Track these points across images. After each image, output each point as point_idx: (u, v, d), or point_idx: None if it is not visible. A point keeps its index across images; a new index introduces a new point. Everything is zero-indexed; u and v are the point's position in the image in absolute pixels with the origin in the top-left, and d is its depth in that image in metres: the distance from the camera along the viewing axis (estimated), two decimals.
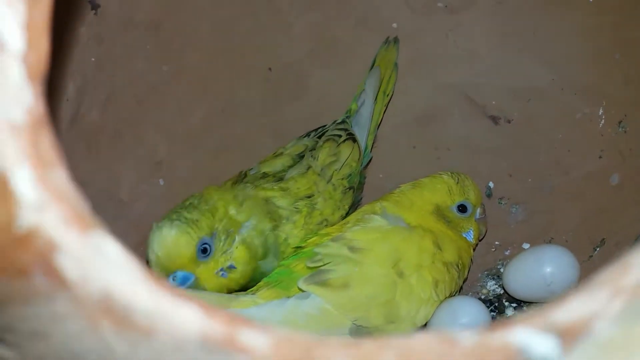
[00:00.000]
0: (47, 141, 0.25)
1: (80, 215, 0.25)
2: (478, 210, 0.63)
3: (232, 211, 0.54)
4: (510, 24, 0.67)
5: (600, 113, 0.63)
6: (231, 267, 0.52)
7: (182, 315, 0.21)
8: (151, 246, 0.51)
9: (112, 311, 0.23)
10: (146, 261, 0.53)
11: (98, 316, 0.23)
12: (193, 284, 0.51)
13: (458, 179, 0.62)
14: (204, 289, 0.52)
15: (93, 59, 0.60)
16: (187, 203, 0.54)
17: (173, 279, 0.50)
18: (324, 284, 0.50)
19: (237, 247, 0.53)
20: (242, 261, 0.53)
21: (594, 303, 0.21)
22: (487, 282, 0.65)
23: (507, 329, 0.20)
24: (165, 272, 0.51)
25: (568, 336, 0.20)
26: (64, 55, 0.58)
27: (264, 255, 0.55)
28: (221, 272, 0.52)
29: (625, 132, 0.61)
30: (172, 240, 0.50)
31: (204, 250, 0.51)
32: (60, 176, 0.25)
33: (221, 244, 0.52)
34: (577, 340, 0.20)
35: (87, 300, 0.23)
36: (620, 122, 0.62)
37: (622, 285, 0.22)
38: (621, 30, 0.61)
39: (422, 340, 0.20)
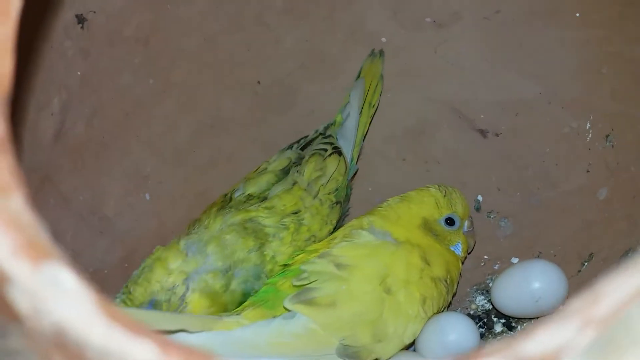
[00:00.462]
0: (5, 165, 0.24)
1: (34, 243, 0.24)
2: (466, 223, 0.63)
3: (174, 265, 0.52)
4: (497, 39, 0.68)
5: (587, 127, 0.64)
6: None
7: (136, 352, 0.21)
8: None
9: (65, 347, 0.22)
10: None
11: (51, 352, 0.22)
12: None
13: (445, 192, 0.62)
14: None
15: (79, 73, 0.60)
16: (135, 273, 0.53)
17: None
18: (310, 302, 0.49)
19: (189, 299, 0.50)
20: (202, 310, 0.50)
21: (563, 335, 0.21)
22: (476, 297, 0.64)
23: None
24: None
25: None
26: (49, 69, 0.57)
27: (227, 287, 0.52)
28: None
29: (612, 146, 0.61)
30: None
31: None
32: (17, 202, 0.24)
33: (166, 305, 0.50)
34: None
35: (40, 335, 0.22)
36: (607, 136, 0.62)
37: (593, 315, 0.21)
38: (608, 44, 0.61)
39: None
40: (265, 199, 0.60)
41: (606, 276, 0.23)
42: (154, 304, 0.50)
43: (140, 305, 0.49)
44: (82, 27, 0.60)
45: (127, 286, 0.51)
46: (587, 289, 0.22)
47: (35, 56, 0.56)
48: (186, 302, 0.50)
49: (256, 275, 0.55)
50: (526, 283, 0.56)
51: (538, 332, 0.21)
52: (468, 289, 0.65)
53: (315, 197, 0.61)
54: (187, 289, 0.50)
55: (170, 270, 0.51)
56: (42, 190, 0.57)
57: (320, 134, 0.68)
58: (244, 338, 0.47)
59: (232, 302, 0.53)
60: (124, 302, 0.49)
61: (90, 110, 0.62)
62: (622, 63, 0.60)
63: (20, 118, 0.55)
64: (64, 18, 0.57)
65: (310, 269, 0.52)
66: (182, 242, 0.54)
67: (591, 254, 0.60)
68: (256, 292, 0.54)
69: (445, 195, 0.62)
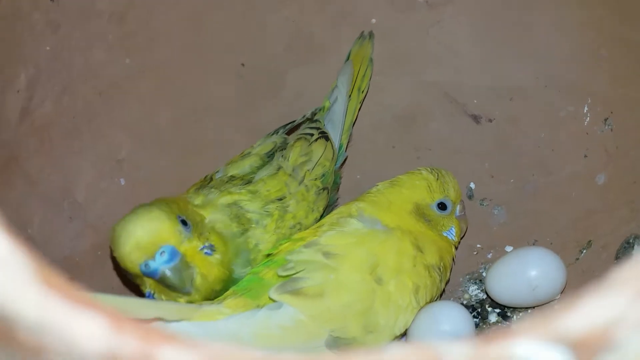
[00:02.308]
0: None
1: None
2: (458, 207, 0.60)
3: (198, 201, 0.53)
4: (492, 20, 0.65)
5: (585, 111, 0.61)
6: (212, 247, 0.49)
7: (81, 330, 0.17)
8: (124, 232, 0.46)
9: None
10: (112, 259, 0.49)
11: None
12: (181, 263, 0.47)
13: (438, 175, 0.60)
14: (193, 270, 0.48)
15: (48, 48, 0.56)
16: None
17: (161, 255, 0.46)
18: (297, 293, 0.47)
19: (209, 232, 0.50)
20: (218, 244, 0.50)
21: (613, 306, 0.17)
22: (469, 287, 0.62)
23: (507, 341, 0.16)
24: (150, 251, 0.46)
25: (584, 350, 0.16)
26: (15, 42, 0.53)
27: (236, 253, 0.51)
28: (205, 250, 0.49)
29: (611, 130, 0.59)
30: (151, 215, 0.47)
31: (184, 222, 0.48)
32: None
33: (194, 225, 0.49)
34: (597, 356, 0.16)
35: None
36: (606, 120, 0.60)
37: None
38: (606, 26, 0.59)
39: (398, 355, 0.16)
40: (249, 182, 0.56)
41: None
42: (187, 217, 0.48)
43: (177, 214, 0.48)
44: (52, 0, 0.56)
45: (151, 202, 0.49)
46: (636, 258, 0.19)
47: (1, 29, 0.52)
48: (208, 233, 0.50)
49: (246, 259, 0.52)
50: (522, 271, 0.53)
51: (582, 304, 0.17)
52: (461, 279, 0.63)
53: (300, 183, 0.58)
54: (207, 226, 0.50)
55: (195, 207, 0.51)
56: (7, 170, 0.53)
57: (308, 119, 0.65)
58: (228, 329, 0.44)
59: (228, 277, 0.51)
60: (159, 206, 0.48)
61: (60, 88, 0.58)
62: (622, 44, 0.58)
63: None
64: None
65: (296, 259, 0.49)
66: (199, 198, 0.53)
67: (590, 241, 0.57)
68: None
69: (437, 179, 0.59)
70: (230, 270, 0.51)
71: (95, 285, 0.57)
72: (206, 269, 0.49)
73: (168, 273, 0.46)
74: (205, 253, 0.49)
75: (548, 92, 0.63)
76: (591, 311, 0.17)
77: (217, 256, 0.49)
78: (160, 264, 0.46)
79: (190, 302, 0.48)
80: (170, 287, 0.48)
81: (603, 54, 0.59)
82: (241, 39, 0.67)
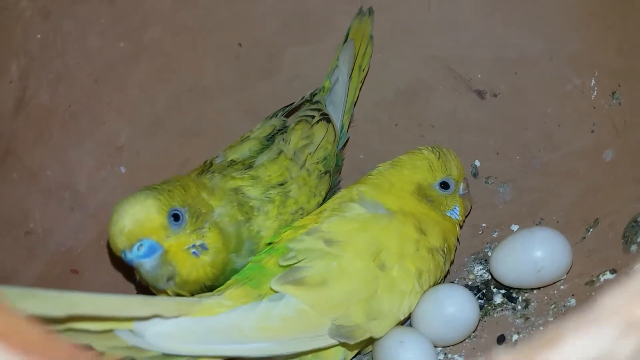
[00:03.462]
0: None
1: None
2: (461, 186, 0.59)
3: (204, 195, 0.50)
4: None
5: (592, 84, 0.59)
6: (203, 247, 0.47)
7: None
8: (115, 214, 0.45)
9: None
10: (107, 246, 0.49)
11: None
12: (161, 259, 0.45)
13: (439, 154, 0.58)
14: (173, 269, 0.46)
15: (39, 36, 0.55)
16: (158, 182, 0.49)
17: (138, 249, 0.45)
18: (299, 282, 0.46)
19: (209, 229, 0.48)
20: (214, 244, 0.48)
21: (600, 342, 0.16)
22: (474, 267, 0.61)
23: None
24: (129, 241, 0.45)
25: None
26: (4, 32, 0.52)
27: (237, 248, 0.50)
28: (192, 250, 0.47)
29: (619, 104, 0.57)
30: (142, 204, 0.45)
31: (176, 218, 0.46)
32: None
33: (193, 219, 0.47)
34: None
35: None
36: (613, 93, 0.58)
37: (637, 316, 0.16)
38: None
39: None
40: (250, 167, 0.55)
41: None
42: (187, 210, 0.47)
43: (176, 205, 0.46)
44: None
45: (150, 186, 0.47)
46: (623, 284, 0.18)
47: None
48: (207, 229, 0.48)
49: (250, 249, 0.51)
50: (528, 251, 0.52)
51: (567, 340, 0.16)
52: (465, 259, 0.62)
53: (302, 167, 0.57)
54: (210, 220, 0.48)
55: (202, 197, 0.49)
56: (4, 164, 0.53)
57: (307, 100, 0.64)
58: (229, 323, 0.43)
59: (226, 265, 0.50)
60: (160, 192, 0.46)
61: (55, 77, 0.57)
62: (630, 13, 0.55)
63: None
64: None
65: (297, 247, 0.48)
66: (205, 180, 0.52)
67: (597, 219, 0.56)
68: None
69: (439, 158, 0.58)
70: (224, 267, 0.49)
71: (99, 275, 0.57)
72: (187, 269, 0.47)
73: (142, 267, 0.45)
74: (193, 253, 0.47)
75: (554, 65, 0.61)
76: (576, 348, 0.16)
77: (205, 257, 0.47)
78: (136, 257, 0.45)
79: (178, 294, 0.47)
80: (143, 281, 0.47)
81: (610, 24, 0.57)
82: (236, 17, 0.65)
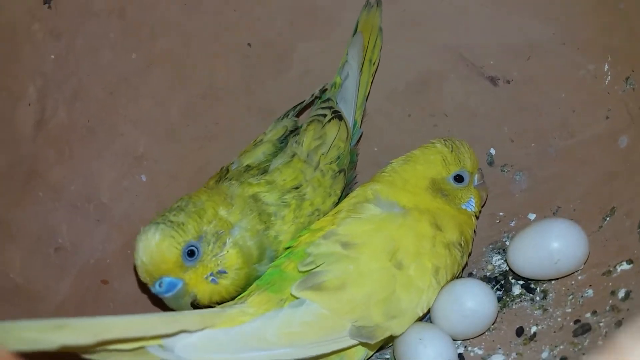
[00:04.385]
0: None
1: None
2: (476, 177, 0.59)
3: (223, 212, 0.51)
4: None
5: (605, 69, 0.58)
6: (222, 272, 0.50)
7: None
8: (137, 252, 0.48)
9: None
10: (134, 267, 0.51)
11: None
12: (182, 291, 0.49)
13: (452, 147, 0.58)
14: (194, 296, 0.49)
15: (52, 56, 0.56)
16: (175, 206, 0.51)
17: (160, 285, 0.48)
18: (318, 287, 0.47)
19: (228, 251, 0.50)
20: (233, 266, 0.50)
21: None
22: (492, 257, 0.61)
23: None
24: (151, 278, 0.48)
25: None
26: (18, 57, 0.53)
27: (260, 258, 0.52)
28: (211, 278, 0.49)
29: (633, 89, 0.56)
30: (155, 244, 0.47)
31: (191, 254, 0.48)
32: None
33: (210, 247, 0.49)
34: None
35: None
36: (627, 79, 0.57)
37: None
38: None
39: None
40: (265, 171, 0.56)
41: (624, 329, 0.19)
42: (202, 240, 0.49)
43: (190, 239, 0.48)
44: (49, 7, 0.55)
45: (164, 215, 0.49)
46: (606, 346, 0.18)
47: (1, 45, 0.52)
48: (226, 252, 0.49)
49: (271, 257, 0.53)
50: (544, 244, 0.53)
51: None
52: (484, 249, 0.63)
53: (316, 168, 0.57)
54: (229, 240, 0.50)
55: (220, 216, 0.50)
56: (29, 184, 0.55)
57: (317, 97, 0.64)
58: (253, 332, 0.45)
59: (250, 276, 0.51)
60: (173, 228, 0.48)
61: (71, 94, 0.58)
62: None
63: None
64: (27, 0, 0.53)
65: (315, 252, 0.49)
66: (225, 187, 0.53)
67: (613, 207, 0.56)
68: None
69: (452, 151, 0.58)
70: (247, 280, 0.51)
71: (128, 283, 0.59)
72: (207, 295, 0.49)
73: (166, 300, 0.49)
74: (212, 280, 0.49)
75: (566, 50, 0.60)
76: None
77: (224, 281, 0.50)
78: (158, 292, 0.48)
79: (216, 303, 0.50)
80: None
81: (622, 8, 0.55)
82: (244, 18, 0.65)
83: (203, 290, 0.49)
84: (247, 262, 0.50)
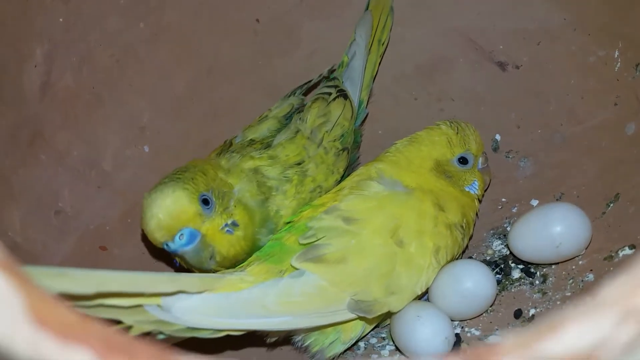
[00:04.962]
0: None
1: None
2: (480, 160, 0.59)
3: (222, 175, 0.52)
4: None
5: (615, 55, 0.58)
6: (234, 224, 0.50)
7: None
8: (149, 211, 0.47)
9: None
10: (141, 232, 0.51)
11: None
12: (202, 243, 0.48)
13: (458, 129, 0.58)
14: (213, 249, 0.49)
15: (61, 20, 0.56)
16: (176, 170, 0.51)
17: (180, 238, 0.47)
18: (319, 259, 0.47)
19: (235, 206, 0.50)
20: (242, 219, 0.50)
21: (597, 330, 0.16)
22: (492, 242, 0.61)
23: None
24: (169, 233, 0.47)
25: None
26: (27, 18, 0.53)
27: (261, 224, 0.52)
28: (226, 229, 0.50)
29: None
30: (173, 197, 0.47)
31: (206, 202, 0.48)
32: None
33: (219, 200, 0.49)
34: None
35: None
36: (637, 65, 0.56)
37: (635, 305, 0.17)
38: None
39: None
40: (268, 146, 0.56)
41: None
42: (211, 193, 0.49)
43: (202, 190, 0.48)
44: None
45: (169, 176, 0.49)
46: (624, 273, 0.18)
47: (11, 5, 0.52)
48: (234, 207, 0.50)
49: (270, 228, 0.53)
50: (547, 227, 0.52)
51: (566, 327, 0.17)
52: (484, 234, 0.62)
53: (319, 145, 0.57)
54: (234, 198, 0.50)
55: (221, 178, 0.51)
56: (33, 146, 0.55)
57: (325, 77, 0.64)
58: (252, 299, 0.45)
59: (254, 243, 0.52)
60: (184, 182, 0.48)
61: (78, 59, 0.58)
62: None
63: (1, 72, 0.52)
64: None
65: (317, 226, 0.49)
66: (223, 161, 0.54)
67: (617, 194, 0.55)
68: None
69: (457, 133, 0.58)
70: (254, 241, 0.51)
71: (127, 251, 0.59)
72: (226, 247, 0.50)
73: (187, 254, 0.48)
74: (227, 231, 0.49)
75: (577, 36, 0.60)
76: (576, 334, 0.17)
77: (239, 233, 0.50)
78: (179, 246, 0.48)
79: (214, 271, 0.50)
80: (187, 265, 0.50)
81: None
82: None
83: (220, 241, 0.49)
84: (252, 220, 0.51)
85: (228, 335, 0.46)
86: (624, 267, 0.19)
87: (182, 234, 0.47)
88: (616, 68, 0.58)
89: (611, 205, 0.55)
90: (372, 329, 0.53)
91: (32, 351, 0.18)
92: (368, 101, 0.66)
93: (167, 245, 0.48)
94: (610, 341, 0.16)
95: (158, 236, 0.47)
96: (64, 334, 0.19)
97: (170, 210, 0.47)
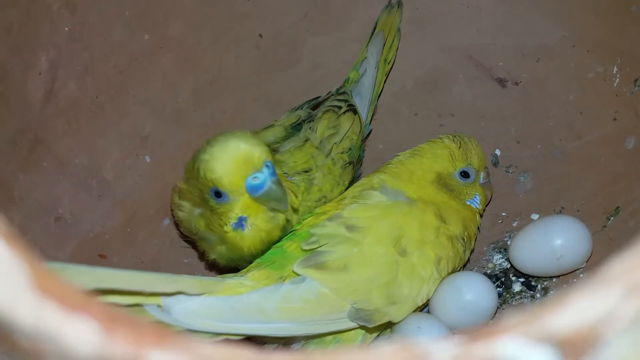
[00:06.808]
0: None
1: None
2: (482, 174, 0.59)
3: None
4: None
5: (614, 71, 0.59)
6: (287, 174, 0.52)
7: (73, 334, 0.18)
8: (227, 150, 0.45)
9: None
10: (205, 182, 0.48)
11: None
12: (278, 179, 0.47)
13: (460, 143, 0.58)
14: (277, 190, 0.46)
15: (66, 29, 0.57)
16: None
17: (267, 167, 0.46)
18: (320, 266, 0.47)
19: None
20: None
21: (603, 304, 0.16)
22: (493, 256, 0.61)
23: (493, 340, 0.16)
24: (257, 165, 0.45)
25: (571, 349, 0.16)
26: (33, 26, 0.54)
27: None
28: (287, 176, 0.51)
29: None
30: (248, 136, 0.47)
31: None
32: None
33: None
34: (584, 356, 0.16)
35: None
36: (636, 81, 0.57)
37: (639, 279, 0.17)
38: None
39: (384, 355, 0.16)
40: (275, 151, 0.56)
41: None
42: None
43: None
44: None
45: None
46: (628, 249, 0.18)
47: (18, 13, 0.53)
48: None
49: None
50: (547, 240, 0.52)
51: (571, 301, 0.17)
52: (485, 248, 0.62)
53: (327, 155, 0.57)
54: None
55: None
56: (34, 153, 0.55)
57: (332, 95, 0.64)
58: (252, 303, 0.45)
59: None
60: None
61: (82, 68, 0.58)
62: None
63: (5, 78, 0.52)
64: None
65: (319, 232, 0.49)
66: None
67: (617, 207, 0.56)
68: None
69: (460, 147, 0.58)
70: (275, 238, 0.51)
71: (126, 260, 0.59)
72: (291, 189, 0.50)
73: (275, 184, 0.46)
74: (288, 178, 0.50)
75: (576, 52, 0.61)
76: (579, 309, 0.17)
77: (291, 187, 0.51)
78: (268, 176, 0.45)
79: (254, 255, 0.49)
80: (271, 202, 0.47)
81: (634, 11, 0.56)
82: (257, 8, 0.66)
83: (285, 183, 0.49)
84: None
85: (226, 340, 0.46)
86: (628, 244, 0.19)
87: (267, 165, 0.46)
88: (615, 84, 0.59)
89: (612, 218, 0.55)
90: (373, 339, 0.53)
91: (36, 319, 0.18)
92: (372, 118, 0.66)
93: (254, 178, 0.45)
94: (615, 315, 0.16)
95: (245, 170, 0.45)
96: (68, 304, 0.19)
97: (253, 143, 0.46)
